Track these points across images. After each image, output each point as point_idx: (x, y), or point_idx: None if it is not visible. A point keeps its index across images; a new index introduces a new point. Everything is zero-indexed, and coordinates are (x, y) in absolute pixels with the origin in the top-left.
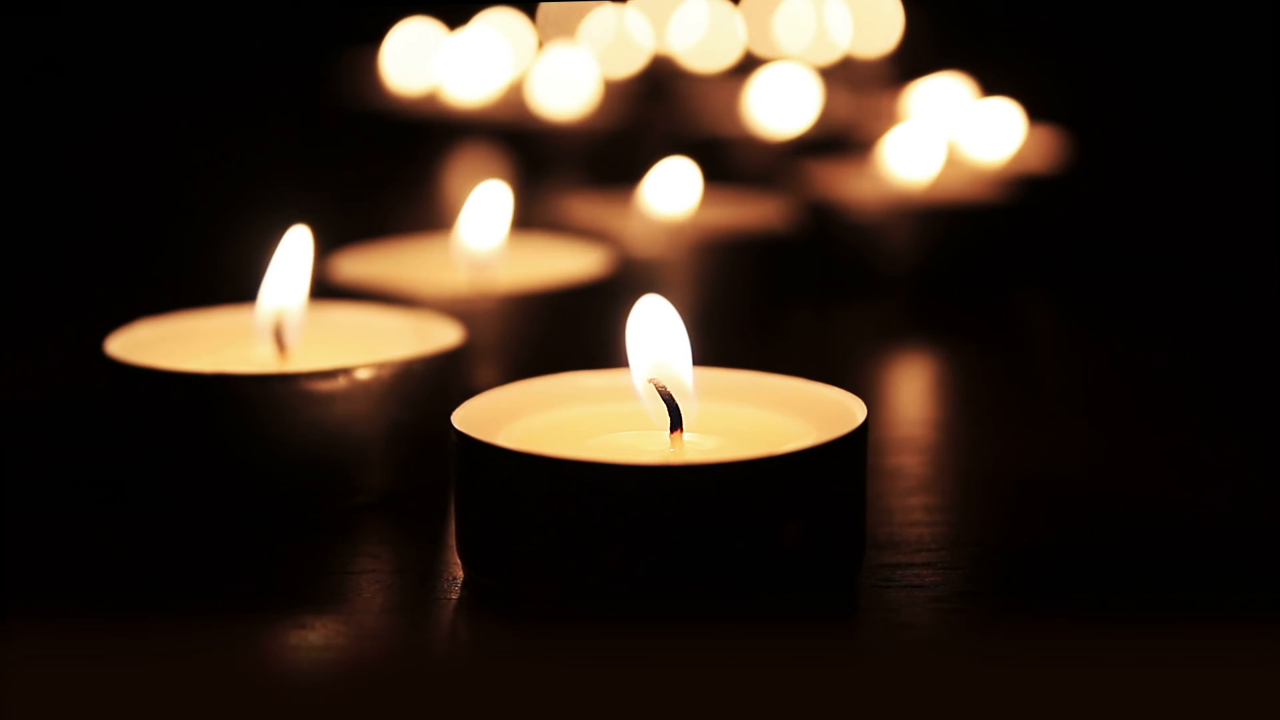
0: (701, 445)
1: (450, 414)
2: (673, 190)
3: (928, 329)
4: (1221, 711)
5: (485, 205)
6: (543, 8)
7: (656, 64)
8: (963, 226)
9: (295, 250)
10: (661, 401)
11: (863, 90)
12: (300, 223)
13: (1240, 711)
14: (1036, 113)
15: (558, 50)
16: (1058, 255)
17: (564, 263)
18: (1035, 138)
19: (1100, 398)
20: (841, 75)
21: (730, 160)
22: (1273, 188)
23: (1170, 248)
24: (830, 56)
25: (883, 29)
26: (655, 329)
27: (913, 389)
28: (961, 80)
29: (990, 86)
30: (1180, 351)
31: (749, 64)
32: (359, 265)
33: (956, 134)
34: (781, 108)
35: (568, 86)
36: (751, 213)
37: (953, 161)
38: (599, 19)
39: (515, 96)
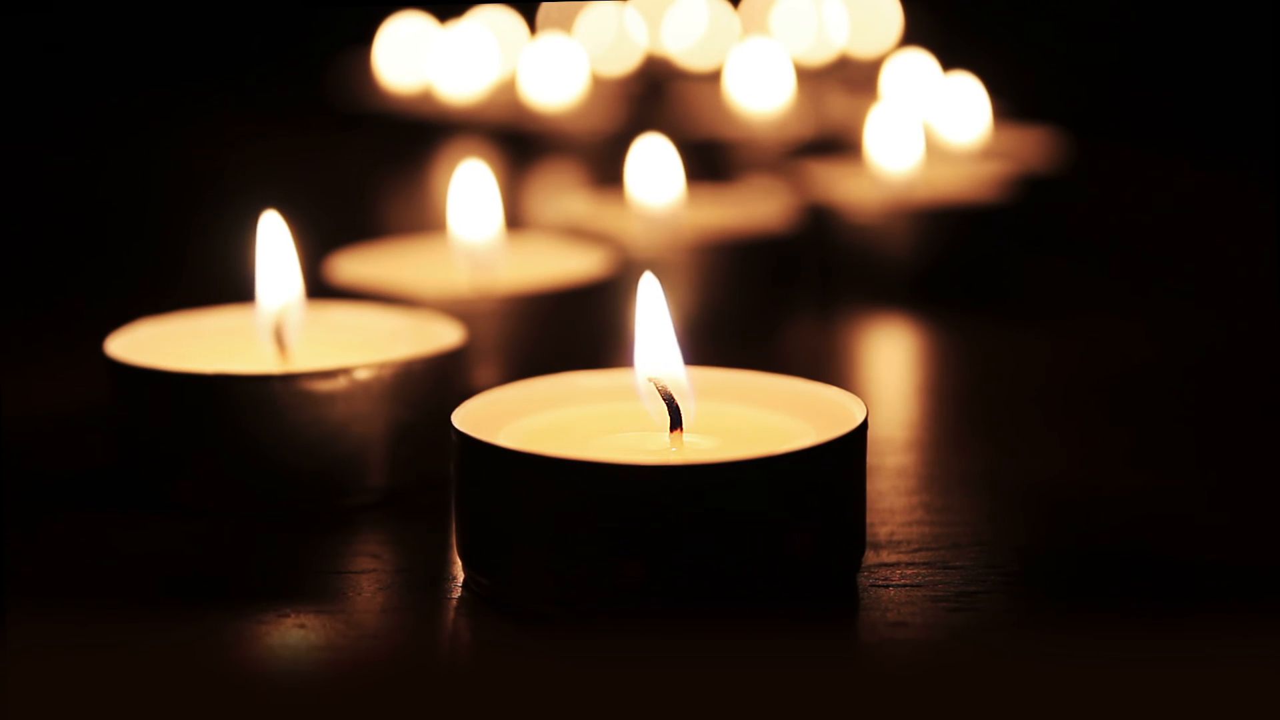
0: (701, 445)
1: (450, 414)
2: (657, 180)
3: (927, 328)
4: (1221, 711)
5: (472, 192)
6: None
7: (652, 63)
8: (962, 227)
9: (275, 241)
10: (661, 401)
11: (860, 91)
12: (273, 210)
13: (1240, 711)
14: (1035, 113)
15: (550, 42)
16: (1057, 255)
17: (564, 263)
18: (1033, 137)
19: (1102, 398)
20: (839, 75)
21: (729, 160)
22: (1270, 183)
23: (1168, 247)
24: (828, 56)
25: (880, 29)
26: (654, 326)
27: (913, 389)
28: (927, 56)
29: (992, 87)
30: (1183, 352)
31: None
32: (359, 265)
33: (929, 115)
34: (762, 89)
35: (559, 80)
36: (751, 213)
37: (932, 147)
38: (596, 16)
39: (508, 93)
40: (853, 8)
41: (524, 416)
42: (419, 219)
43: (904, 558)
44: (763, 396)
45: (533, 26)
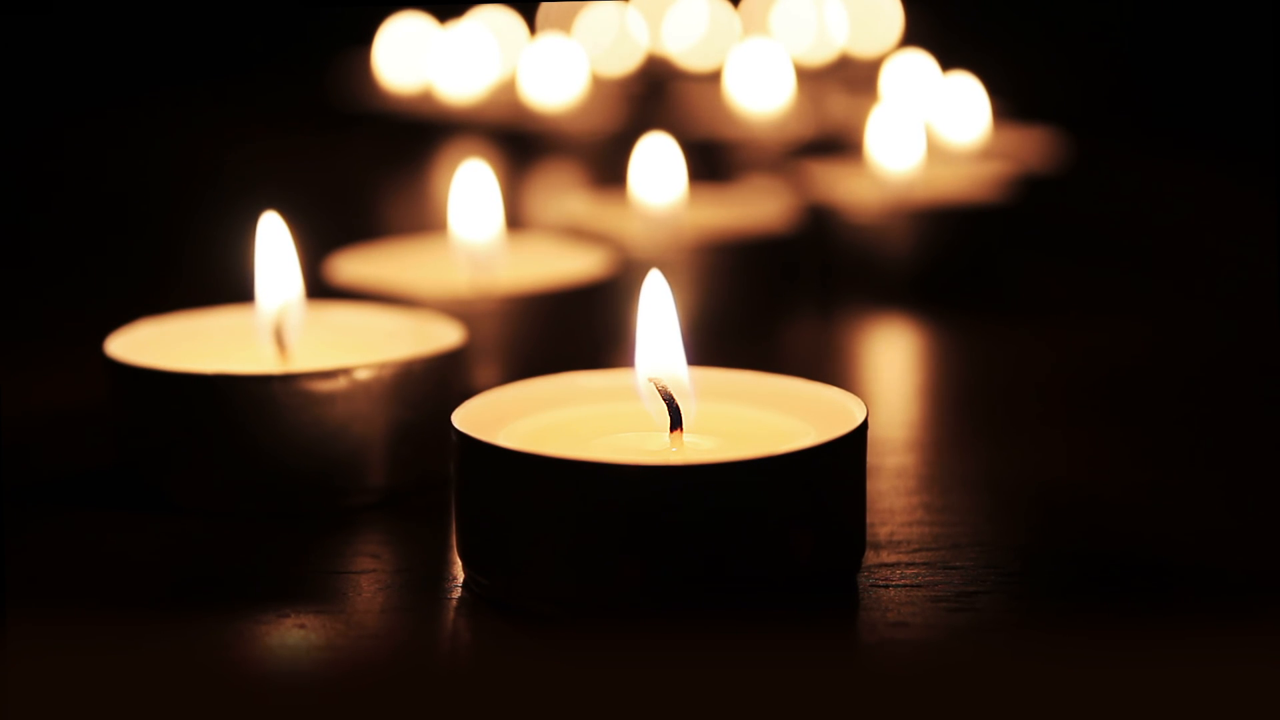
0: (701, 445)
1: (450, 414)
2: (658, 180)
3: (927, 328)
4: (1221, 712)
5: (473, 192)
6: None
7: (652, 63)
8: (962, 227)
9: (275, 241)
10: (661, 401)
11: (860, 91)
12: (273, 210)
13: (1240, 712)
14: (1035, 113)
15: (550, 42)
16: (1057, 255)
17: (564, 263)
18: (1033, 137)
19: (1102, 398)
20: (839, 75)
21: (729, 160)
22: (1270, 183)
23: (1168, 247)
24: (828, 56)
25: (881, 29)
26: (659, 324)
27: (913, 389)
28: (927, 56)
29: (992, 87)
30: (1184, 352)
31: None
32: (359, 265)
33: (929, 115)
34: (762, 89)
35: (559, 80)
36: (752, 213)
37: (932, 147)
38: (596, 15)
39: (508, 93)
40: (853, 8)
41: (524, 416)
42: (419, 219)
43: (904, 558)
44: (763, 396)
45: (533, 26)
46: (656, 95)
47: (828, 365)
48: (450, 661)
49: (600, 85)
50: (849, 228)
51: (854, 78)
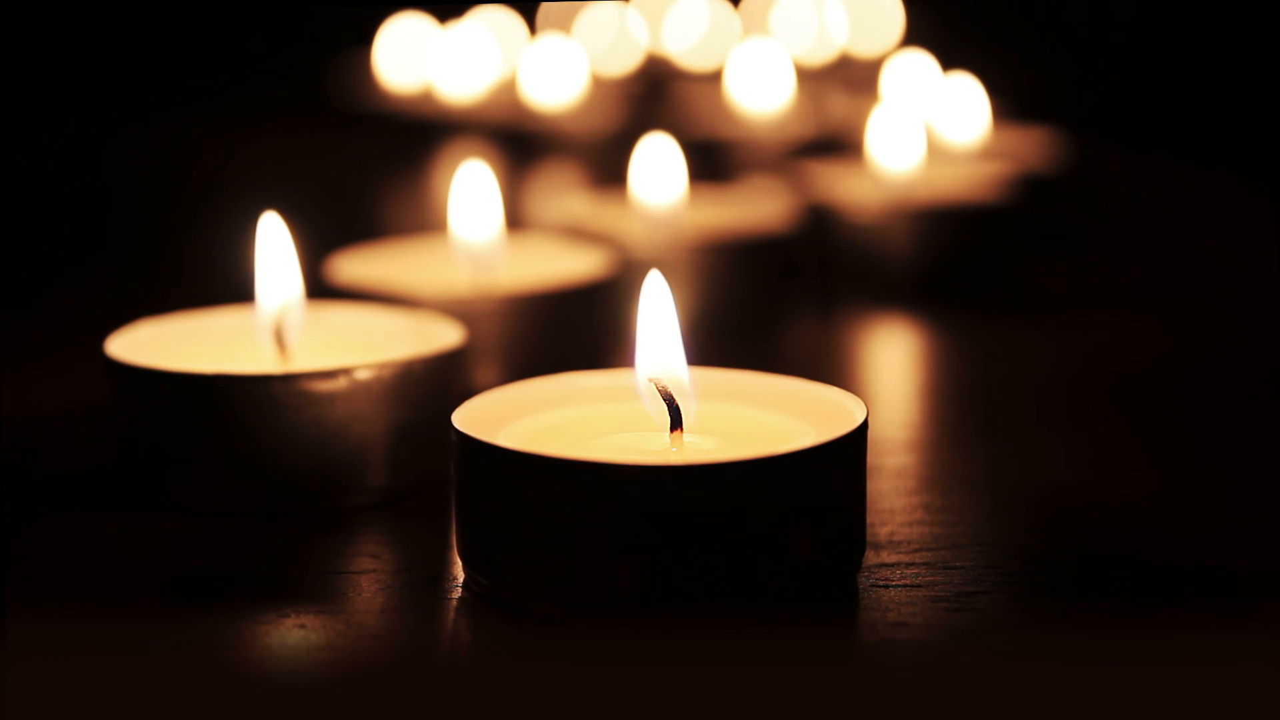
0: (701, 445)
1: (450, 414)
2: (658, 180)
3: (927, 328)
4: (1220, 712)
5: (473, 192)
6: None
7: (652, 63)
8: (962, 227)
9: (276, 242)
10: (661, 401)
11: (860, 91)
12: (273, 210)
13: (1239, 712)
14: (1035, 113)
15: (550, 42)
16: (1057, 255)
17: (564, 263)
18: (1033, 137)
19: (1102, 398)
20: (839, 75)
21: (729, 160)
22: (1270, 183)
23: (1168, 247)
24: (828, 56)
25: (881, 29)
26: (659, 324)
27: (913, 389)
28: (927, 56)
29: (992, 87)
30: (1184, 352)
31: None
32: (359, 265)
33: (929, 115)
34: (762, 89)
35: (559, 80)
36: (752, 213)
37: (932, 147)
38: (596, 15)
39: (508, 93)
40: (853, 8)
41: (524, 416)
42: (419, 219)
43: (904, 558)
44: (763, 396)
45: (533, 26)
46: (656, 95)
47: (828, 365)
48: (450, 661)
49: (600, 85)
50: (849, 228)
51: (854, 78)
